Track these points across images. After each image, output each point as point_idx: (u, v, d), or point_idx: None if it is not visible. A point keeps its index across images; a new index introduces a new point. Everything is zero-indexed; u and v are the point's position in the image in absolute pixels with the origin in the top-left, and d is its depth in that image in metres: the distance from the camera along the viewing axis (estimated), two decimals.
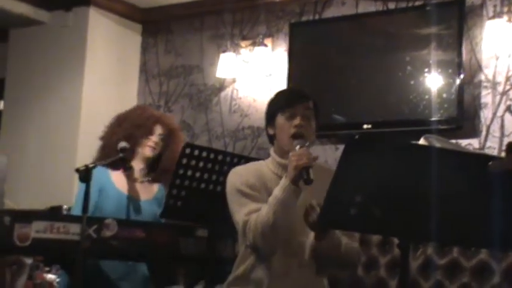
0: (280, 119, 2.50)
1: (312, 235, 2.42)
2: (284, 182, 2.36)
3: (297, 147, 2.39)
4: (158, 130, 3.20)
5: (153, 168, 3.24)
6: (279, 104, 2.54)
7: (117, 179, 3.14)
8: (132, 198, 3.13)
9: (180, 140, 3.31)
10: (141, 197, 3.16)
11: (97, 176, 3.00)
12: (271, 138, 2.59)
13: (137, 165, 3.17)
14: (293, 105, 2.49)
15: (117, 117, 3.27)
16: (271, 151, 2.59)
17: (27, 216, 2.47)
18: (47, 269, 3.72)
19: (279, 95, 2.63)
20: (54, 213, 3.32)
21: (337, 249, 2.44)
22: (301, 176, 2.33)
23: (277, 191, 2.36)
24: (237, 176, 2.51)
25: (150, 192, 3.21)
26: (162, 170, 3.22)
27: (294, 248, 2.44)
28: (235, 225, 2.47)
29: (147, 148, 3.17)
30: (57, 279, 3.66)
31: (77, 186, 3.12)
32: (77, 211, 3.03)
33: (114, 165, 3.11)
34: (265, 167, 2.55)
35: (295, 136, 2.45)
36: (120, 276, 3.00)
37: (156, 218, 3.13)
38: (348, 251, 2.47)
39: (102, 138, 3.23)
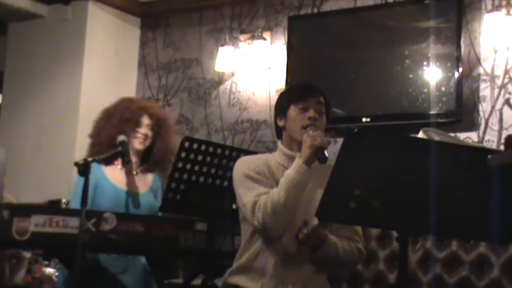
0: (293, 111, 2.51)
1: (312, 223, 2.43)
2: (297, 162, 2.38)
3: (310, 131, 2.42)
4: (146, 121, 3.17)
5: (147, 160, 3.23)
6: (292, 95, 2.56)
7: (112, 173, 3.12)
8: (130, 192, 3.12)
9: (170, 128, 3.29)
10: (138, 190, 3.15)
11: (91, 172, 3.00)
12: (280, 130, 2.59)
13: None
14: (307, 98, 2.52)
15: (104, 113, 3.22)
16: (279, 143, 2.59)
17: (26, 210, 2.47)
18: (46, 262, 3.72)
19: (292, 87, 2.67)
20: (53, 207, 3.32)
21: (335, 256, 2.45)
22: (316, 155, 2.35)
23: (290, 171, 2.38)
24: (245, 163, 2.52)
25: (145, 184, 3.20)
26: (154, 160, 3.20)
27: (295, 241, 2.44)
28: (242, 208, 2.46)
29: (137, 140, 3.15)
30: (56, 273, 3.66)
31: (74, 181, 3.12)
32: (74, 206, 3.03)
33: (107, 160, 3.10)
34: (273, 159, 2.56)
35: (308, 127, 2.47)
36: (120, 270, 3.00)
37: (154, 210, 3.12)
38: (346, 254, 2.48)
39: (91, 135, 3.20)
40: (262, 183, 2.45)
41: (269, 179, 2.47)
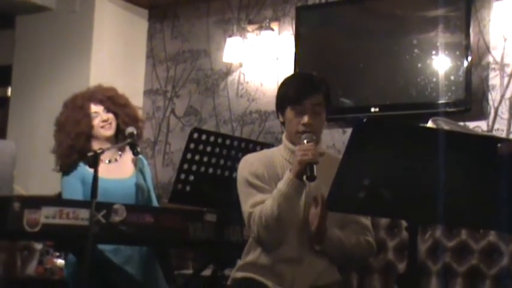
0: (289, 113, 2.48)
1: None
2: (288, 176, 2.36)
3: (305, 141, 2.38)
4: (96, 107, 3.14)
5: (118, 139, 3.17)
6: (288, 96, 2.50)
7: (99, 168, 3.10)
8: (118, 180, 3.09)
9: (123, 100, 3.23)
10: (125, 175, 3.12)
11: (77, 171, 3.01)
12: (283, 123, 2.59)
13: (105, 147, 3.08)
14: (302, 102, 2.45)
15: (56, 125, 3.21)
16: (283, 137, 2.58)
17: (37, 202, 2.48)
18: (57, 254, 3.75)
19: (288, 85, 2.55)
20: (63, 199, 3.32)
21: (341, 248, 2.45)
22: (305, 172, 2.32)
23: (281, 185, 2.37)
24: (247, 165, 2.51)
25: (129, 167, 3.16)
26: (125, 135, 3.12)
27: (306, 237, 2.44)
28: (243, 215, 2.48)
29: (102, 129, 3.12)
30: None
31: (61, 182, 3.12)
32: None
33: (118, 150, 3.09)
34: (277, 153, 2.55)
35: (302, 134, 2.44)
36: (124, 260, 3.00)
37: (146, 190, 3.11)
38: (354, 246, 2.48)
39: (54, 151, 3.19)
40: (260, 190, 2.44)
41: (270, 183, 2.45)
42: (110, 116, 3.15)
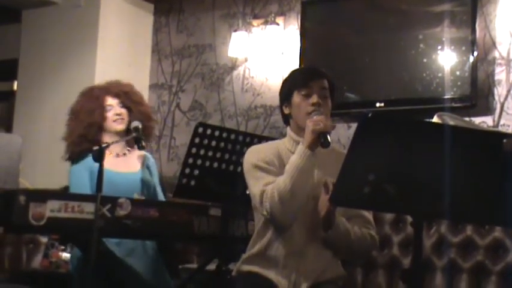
0: (297, 98, 2.50)
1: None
2: (301, 147, 2.37)
3: (314, 117, 2.40)
4: (111, 101, 3.17)
5: (128, 135, 3.17)
6: (294, 82, 2.53)
7: (105, 162, 3.11)
8: (125, 173, 3.11)
9: (138, 96, 3.27)
10: (132, 169, 3.13)
11: (83, 162, 3.01)
12: (287, 118, 2.58)
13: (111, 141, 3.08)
14: (309, 84, 2.49)
15: (70, 112, 3.22)
16: (288, 129, 2.58)
17: (42, 195, 2.49)
18: (62, 247, 3.76)
19: (294, 73, 2.62)
20: (68, 193, 3.33)
21: (347, 237, 2.44)
22: (319, 140, 2.34)
23: (294, 157, 2.38)
24: (254, 153, 2.52)
25: (137, 163, 3.18)
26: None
27: (311, 226, 2.44)
28: (252, 199, 2.47)
29: (114, 123, 3.14)
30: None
31: (69, 171, 3.13)
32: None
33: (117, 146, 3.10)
34: (282, 145, 2.56)
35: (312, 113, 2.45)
36: (127, 253, 3.01)
37: (153, 187, 3.12)
38: (359, 239, 2.47)
39: (65, 138, 3.21)
40: (271, 173, 2.45)
41: (279, 168, 2.46)
42: (124, 111, 3.18)
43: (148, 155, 3.25)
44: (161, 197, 3.19)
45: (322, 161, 2.44)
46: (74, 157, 3.14)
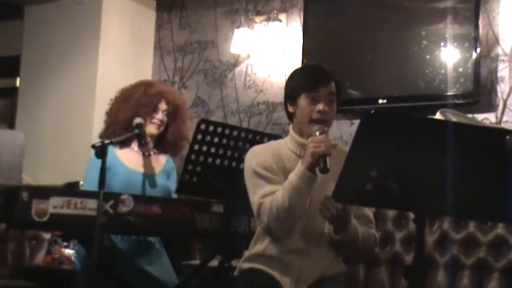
0: (303, 101, 2.47)
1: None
2: (300, 168, 2.35)
3: (317, 133, 2.36)
4: (163, 107, 3.20)
5: (159, 142, 3.24)
6: (302, 84, 2.50)
7: (125, 156, 3.14)
8: (145, 174, 3.14)
9: (185, 115, 3.31)
10: (153, 171, 3.17)
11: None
12: (291, 115, 2.57)
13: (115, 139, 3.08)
14: (317, 89, 2.46)
15: (122, 93, 3.24)
16: (291, 129, 2.57)
17: (45, 192, 2.50)
18: (65, 243, 3.77)
19: (303, 73, 2.57)
20: (71, 189, 3.35)
21: (355, 241, 2.45)
22: (318, 164, 2.31)
23: (292, 176, 2.35)
24: (255, 156, 2.50)
25: (159, 165, 3.22)
26: (167, 144, 3.24)
27: (313, 229, 2.44)
28: (251, 205, 2.48)
29: (152, 126, 3.18)
30: (75, 254, 3.70)
31: (89, 162, 3.14)
32: (86, 187, 3.05)
33: (123, 143, 3.12)
34: (284, 145, 2.54)
35: (316, 121, 2.43)
36: (135, 252, 3.02)
37: (167, 190, 3.14)
38: (365, 239, 2.48)
39: (108, 113, 3.22)
40: (269, 181, 2.43)
41: (278, 174, 2.44)
42: (166, 119, 3.21)
43: (170, 159, 3.29)
44: None
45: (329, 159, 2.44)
46: (107, 137, 3.07)
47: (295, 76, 2.57)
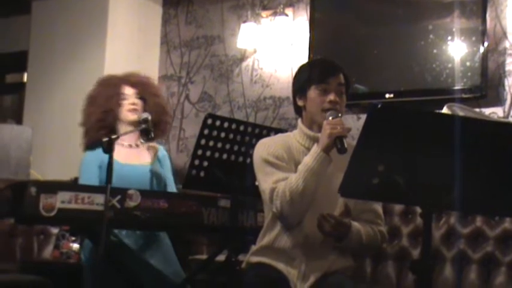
0: (313, 93, 2.48)
1: (338, 208, 2.44)
2: (316, 149, 2.36)
3: (330, 117, 2.38)
4: (129, 90, 3.17)
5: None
6: (312, 76, 2.51)
7: (116, 152, 3.10)
8: (136, 166, 3.11)
9: (156, 89, 3.27)
10: (144, 161, 3.14)
11: (95, 154, 3.02)
12: (299, 109, 2.57)
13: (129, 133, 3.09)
14: (327, 80, 2.48)
15: (87, 98, 3.22)
16: (299, 122, 2.57)
17: (53, 186, 2.50)
18: (73, 238, 3.78)
19: (311, 67, 2.59)
20: (78, 184, 3.35)
21: (359, 244, 2.46)
22: (335, 145, 2.33)
23: (308, 159, 2.37)
24: (264, 147, 2.51)
25: (150, 155, 3.19)
26: (153, 124, 3.18)
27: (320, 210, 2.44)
28: (262, 194, 2.48)
29: (128, 112, 3.14)
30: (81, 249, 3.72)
31: (82, 159, 3.14)
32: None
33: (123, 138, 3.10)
34: (293, 138, 2.55)
35: (328, 110, 2.44)
36: (140, 246, 3.02)
37: (163, 180, 3.13)
38: (370, 240, 2.49)
39: (82, 124, 3.20)
40: (281, 168, 2.44)
41: (288, 163, 2.46)
42: (139, 102, 3.18)
43: (161, 147, 3.26)
44: (173, 190, 3.20)
45: (333, 154, 2.44)
46: (90, 144, 3.12)
47: (303, 70, 2.59)
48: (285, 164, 2.46)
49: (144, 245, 3.04)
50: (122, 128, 3.14)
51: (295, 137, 2.55)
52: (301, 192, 2.34)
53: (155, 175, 3.14)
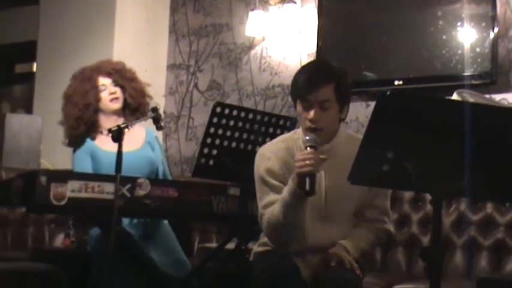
0: (299, 107, 2.43)
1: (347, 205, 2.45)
2: (291, 185, 2.31)
3: (308, 148, 2.29)
4: (104, 80, 3.16)
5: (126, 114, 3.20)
6: (295, 90, 2.44)
7: (102, 142, 3.09)
8: (126, 152, 3.10)
9: (131, 73, 3.25)
10: (133, 147, 3.12)
11: (85, 146, 3.03)
12: None
13: (113, 121, 3.08)
14: (307, 98, 2.38)
15: (64, 97, 3.22)
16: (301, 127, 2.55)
17: (63, 176, 2.52)
18: (84, 227, 3.80)
19: (298, 77, 2.44)
20: (88, 173, 3.36)
21: (363, 255, 2.48)
22: (302, 186, 2.24)
23: (285, 193, 2.34)
24: (263, 160, 2.48)
25: (139, 139, 3.19)
26: (131, 108, 3.19)
27: (325, 214, 2.46)
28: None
29: (110, 103, 3.15)
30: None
31: (72, 157, 3.15)
32: None
33: (94, 132, 3.12)
34: (297, 139, 2.49)
35: (308, 130, 2.39)
36: (142, 234, 3.03)
37: (154, 163, 3.13)
38: (373, 246, 2.55)
39: (62, 123, 3.21)
40: (274, 189, 2.42)
41: (285, 178, 2.39)
42: (117, 89, 3.18)
43: (149, 129, 3.23)
44: (166, 174, 3.20)
45: (340, 148, 2.43)
46: (74, 142, 3.14)
47: (293, 79, 2.47)
48: (280, 184, 2.41)
49: (142, 233, 3.03)
50: (105, 119, 3.14)
51: (300, 136, 2.48)
52: (282, 224, 2.35)
53: (146, 159, 3.13)
